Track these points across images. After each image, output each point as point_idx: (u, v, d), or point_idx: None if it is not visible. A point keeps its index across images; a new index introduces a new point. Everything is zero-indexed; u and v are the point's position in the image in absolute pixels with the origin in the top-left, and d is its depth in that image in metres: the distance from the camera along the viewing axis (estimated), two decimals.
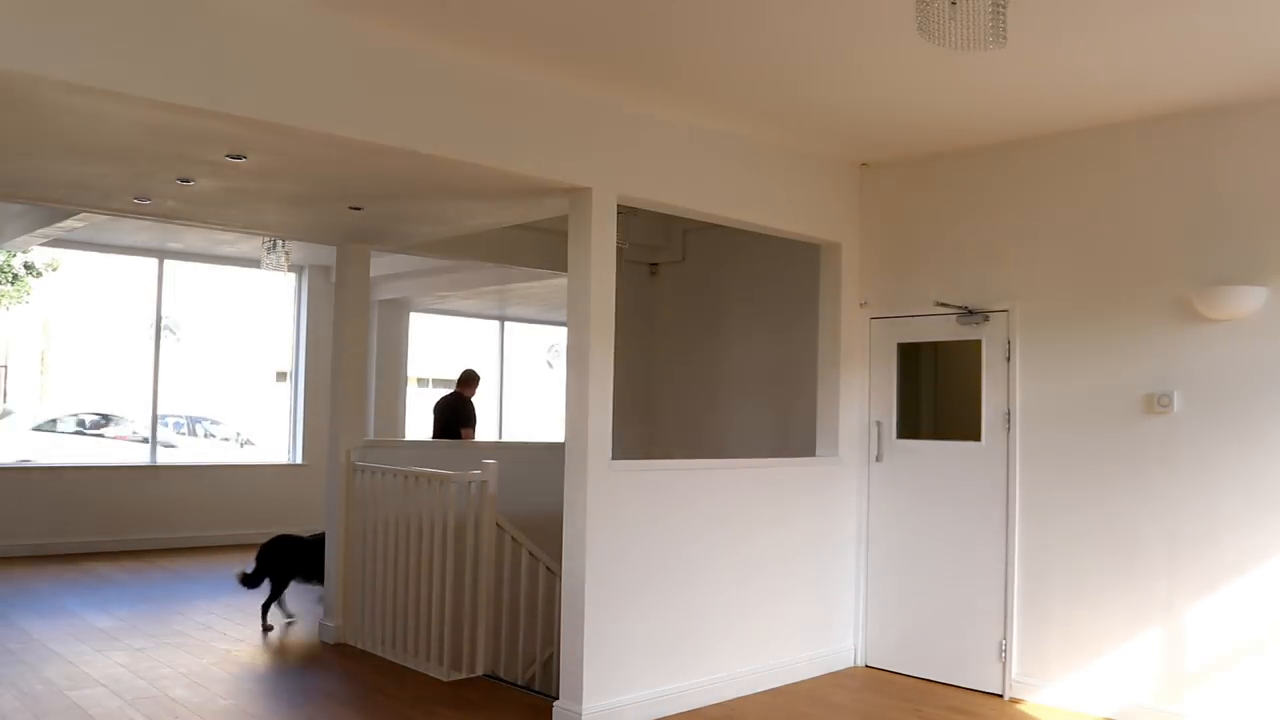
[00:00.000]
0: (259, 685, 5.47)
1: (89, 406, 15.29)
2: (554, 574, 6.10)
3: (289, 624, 6.91)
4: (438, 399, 9.65)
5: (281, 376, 13.13)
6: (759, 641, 5.63)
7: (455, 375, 9.80)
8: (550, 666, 6.29)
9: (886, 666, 6.07)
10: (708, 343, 7.91)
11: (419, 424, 14.96)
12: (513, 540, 6.08)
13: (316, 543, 6.87)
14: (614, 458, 4.96)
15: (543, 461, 6.64)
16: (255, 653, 6.17)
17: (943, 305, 5.84)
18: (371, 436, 10.80)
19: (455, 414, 9.38)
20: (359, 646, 6.32)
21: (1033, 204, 5.60)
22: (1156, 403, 5.10)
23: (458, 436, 9.19)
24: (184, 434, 16.17)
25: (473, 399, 9.63)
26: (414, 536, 5.98)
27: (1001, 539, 5.61)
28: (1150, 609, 5.09)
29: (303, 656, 6.12)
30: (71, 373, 15.53)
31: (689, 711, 5.19)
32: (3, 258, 14.37)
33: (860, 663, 6.17)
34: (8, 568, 8.86)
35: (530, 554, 6.18)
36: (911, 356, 6.18)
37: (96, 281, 14.48)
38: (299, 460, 11.74)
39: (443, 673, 5.68)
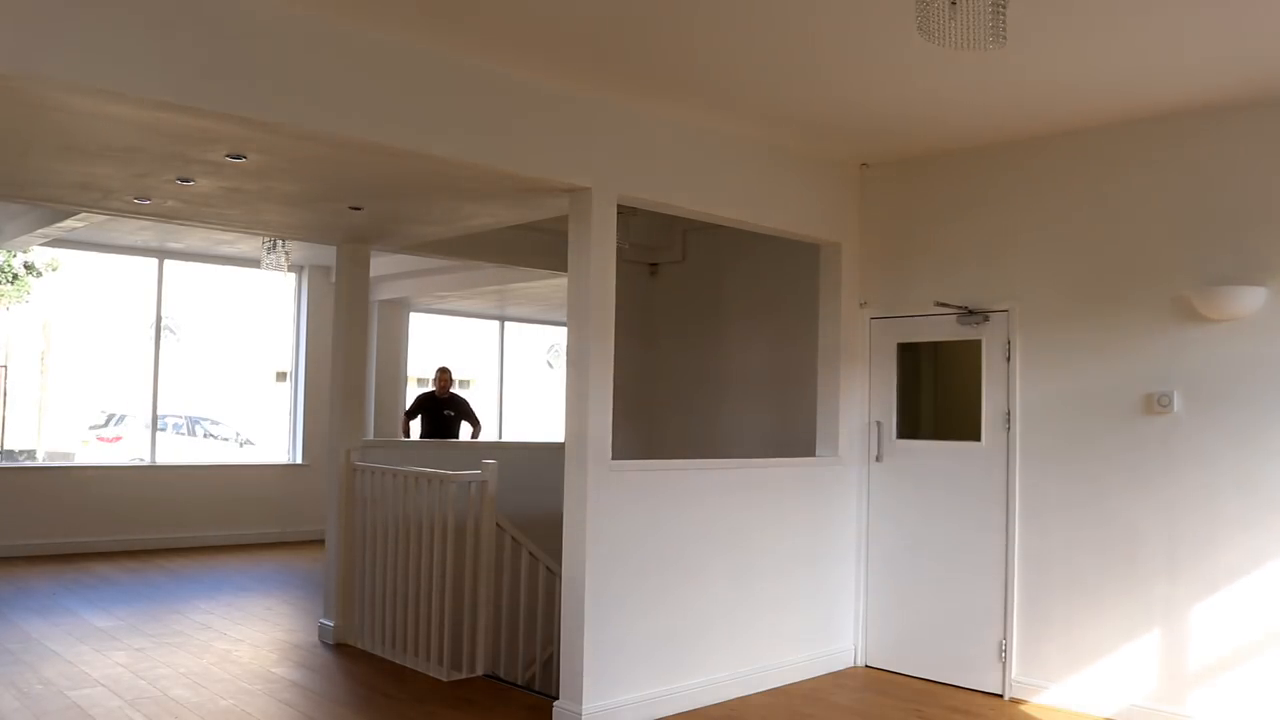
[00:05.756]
0: (259, 685, 5.47)
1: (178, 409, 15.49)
2: (554, 574, 6.09)
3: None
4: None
5: (281, 376, 13.13)
6: (759, 641, 5.63)
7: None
8: (550, 666, 6.29)
9: (886, 667, 6.07)
10: (708, 343, 7.90)
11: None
12: (513, 540, 6.08)
13: None
14: (614, 458, 4.96)
15: (543, 461, 6.64)
16: (255, 653, 6.17)
17: (943, 305, 5.84)
18: (371, 436, 10.81)
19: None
20: (359, 646, 6.32)
21: (1033, 204, 5.61)
22: (1156, 403, 5.10)
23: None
24: (183, 434, 16.16)
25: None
26: (414, 536, 5.98)
27: (1001, 539, 5.60)
28: (1151, 609, 5.09)
29: (302, 656, 6.12)
30: (72, 373, 15.52)
31: (689, 711, 5.19)
32: (3, 258, 14.37)
33: (860, 663, 6.16)
34: (8, 568, 8.86)
35: (530, 554, 6.18)
36: (911, 356, 6.18)
37: (96, 281, 14.47)
38: (299, 460, 11.74)
39: (443, 673, 5.68)
